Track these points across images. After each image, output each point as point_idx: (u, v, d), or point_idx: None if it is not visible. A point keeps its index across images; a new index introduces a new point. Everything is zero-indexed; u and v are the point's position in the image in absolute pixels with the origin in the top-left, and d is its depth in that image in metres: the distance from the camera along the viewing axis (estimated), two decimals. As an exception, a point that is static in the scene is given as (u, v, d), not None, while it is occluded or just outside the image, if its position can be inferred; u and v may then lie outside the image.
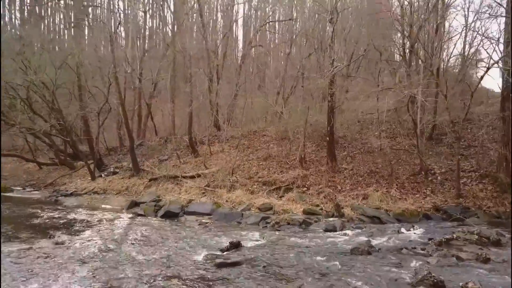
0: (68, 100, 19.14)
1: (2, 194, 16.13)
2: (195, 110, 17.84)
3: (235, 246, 7.80)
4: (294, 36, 19.92)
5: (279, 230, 9.95)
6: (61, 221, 10.78)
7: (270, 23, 21.88)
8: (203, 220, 11.28)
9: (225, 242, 8.44)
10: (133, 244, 8.28)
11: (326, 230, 9.85)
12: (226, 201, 12.73)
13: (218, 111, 18.39)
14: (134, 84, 23.42)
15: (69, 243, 8.22)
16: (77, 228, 9.97)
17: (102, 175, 17.27)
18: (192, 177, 14.77)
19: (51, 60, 17.41)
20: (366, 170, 14.25)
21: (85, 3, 26.00)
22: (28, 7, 31.49)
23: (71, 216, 11.51)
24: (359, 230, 9.89)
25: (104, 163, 18.83)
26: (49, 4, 30.03)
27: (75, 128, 20.57)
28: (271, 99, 18.99)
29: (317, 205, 12.02)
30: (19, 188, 18.06)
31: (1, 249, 7.14)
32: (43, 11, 31.34)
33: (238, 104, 19.06)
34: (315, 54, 17.93)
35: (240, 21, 27.48)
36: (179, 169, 15.92)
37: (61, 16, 30.80)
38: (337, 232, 9.66)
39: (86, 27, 26.35)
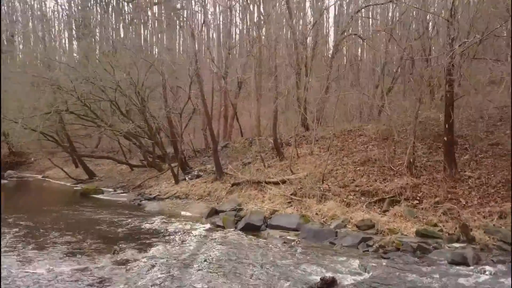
0: (154, 101, 18.98)
1: (94, 196, 16.48)
2: (281, 108, 16.15)
3: (329, 285, 5.79)
4: (397, 18, 16.95)
5: (386, 258, 7.63)
6: (135, 231, 9.94)
7: (366, 8, 19.12)
8: (289, 237, 9.46)
9: (314, 273, 6.52)
10: (201, 270, 6.81)
11: (453, 263, 7.24)
12: (316, 214, 10.72)
13: (306, 109, 16.40)
14: (220, 84, 22.77)
15: (132, 262, 7.10)
16: (148, 241, 8.96)
17: (186, 178, 16.60)
18: (277, 183, 13.06)
19: (136, 60, 17.29)
20: (499, 179, 10.89)
21: (176, 5, 26.25)
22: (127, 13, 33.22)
23: (147, 224, 10.66)
24: (503, 267, 7.05)
25: (189, 165, 18.24)
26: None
27: (162, 130, 20.43)
28: (368, 92, 16.37)
29: (435, 225, 9.30)
30: (110, 190, 18.41)
31: (54, 267, 6.24)
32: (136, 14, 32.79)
33: (329, 100, 16.83)
34: (422, 39, 14.88)
35: (331, 9, 25.10)
36: (262, 173, 14.36)
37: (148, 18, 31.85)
38: (471, 268, 6.99)
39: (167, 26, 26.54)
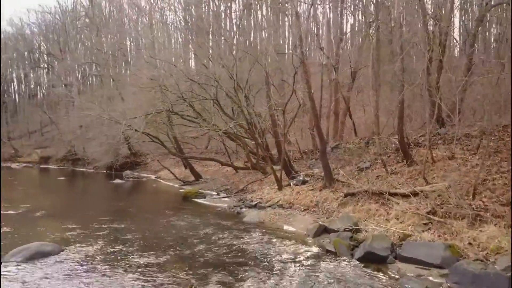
0: (258, 98, 17.39)
1: (195, 200, 15.64)
2: (407, 100, 12.91)
3: None
4: None
5: None
6: (227, 252, 8.22)
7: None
8: (431, 278, 6.63)
9: None
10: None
11: None
12: (469, 243, 7.55)
13: (441, 99, 12.81)
14: (329, 76, 20.22)
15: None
16: (240, 270, 7.10)
17: (291, 183, 14.57)
18: (405, 195, 10.04)
19: (240, 56, 15.95)
20: None
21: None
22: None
23: (243, 244, 8.87)
24: None
25: (294, 169, 16.17)
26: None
27: (267, 129, 18.79)
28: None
29: None
30: (213, 193, 17.49)
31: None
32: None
33: (473, 88, 12.93)
34: None
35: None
36: (385, 181, 11.44)
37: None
38: None
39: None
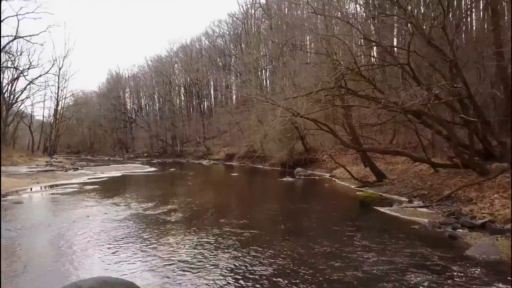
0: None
1: (377, 208, 11.23)
2: None
3: None
4: None
5: None
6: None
7: None
8: None
9: None
10: None
11: None
12: None
13: None
14: None
15: None
16: None
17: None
18: None
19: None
20: None
21: None
22: None
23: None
24: None
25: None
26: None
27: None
28: None
29: None
30: (403, 199, 12.62)
31: None
32: None
33: None
34: None
35: None
36: None
37: None
38: None
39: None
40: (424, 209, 10.64)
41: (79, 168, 30.37)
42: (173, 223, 9.45)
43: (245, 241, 7.52)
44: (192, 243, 7.40)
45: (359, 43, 13.97)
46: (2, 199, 12.40)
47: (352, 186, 16.63)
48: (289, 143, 27.93)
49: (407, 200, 12.47)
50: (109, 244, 7.37)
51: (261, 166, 32.13)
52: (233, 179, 23.43)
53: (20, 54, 43.48)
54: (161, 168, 33.33)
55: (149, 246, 7.21)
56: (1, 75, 34.12)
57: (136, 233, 8.40)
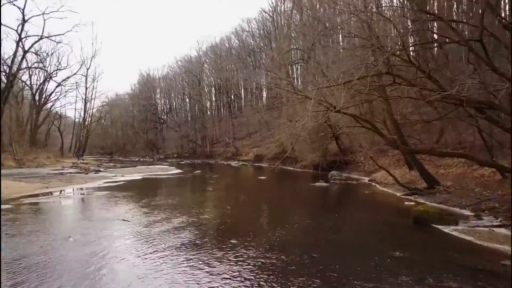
0: None
1: (437, 226, 8.74)
2: None
3: None
4: None
5: None
6: None
7: None
8: None
9: None
10: None
11: None
12: None
13: None
14: None
15: None
16: None
17: None
18: None
19: None
20: None
21: None
22: None
23: None
24: None
25: None
26: None
27: None
28: None
29: None
30: (467, 213, 10.06)
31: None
32: None
33: None
34: None
35: None
36: None
37: None
38: None
39: None
40: (503, 230, 8.07)
41: (102, 170, 29.39)
42: (165, 249, 7.43)
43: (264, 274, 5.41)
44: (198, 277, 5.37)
45: (409, 19, 11.48)
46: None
47: (398, 194, 14.07)
48: (322, 143, 25.55)
49: (473, 214, 9.89)
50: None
51: (292, 168, 29.93)
52: (260, 185, 21.29)
53: (51, 55, 43.74)
54: (186, 170, 31.78)
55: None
56: (0, 70, 33.65)
57: (110, 265, 6.51)
